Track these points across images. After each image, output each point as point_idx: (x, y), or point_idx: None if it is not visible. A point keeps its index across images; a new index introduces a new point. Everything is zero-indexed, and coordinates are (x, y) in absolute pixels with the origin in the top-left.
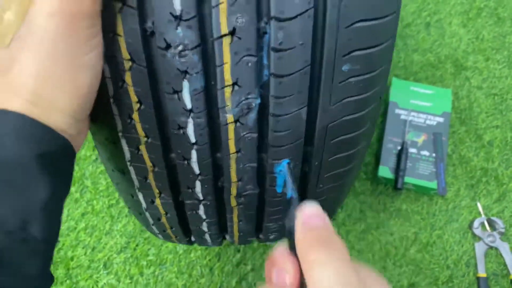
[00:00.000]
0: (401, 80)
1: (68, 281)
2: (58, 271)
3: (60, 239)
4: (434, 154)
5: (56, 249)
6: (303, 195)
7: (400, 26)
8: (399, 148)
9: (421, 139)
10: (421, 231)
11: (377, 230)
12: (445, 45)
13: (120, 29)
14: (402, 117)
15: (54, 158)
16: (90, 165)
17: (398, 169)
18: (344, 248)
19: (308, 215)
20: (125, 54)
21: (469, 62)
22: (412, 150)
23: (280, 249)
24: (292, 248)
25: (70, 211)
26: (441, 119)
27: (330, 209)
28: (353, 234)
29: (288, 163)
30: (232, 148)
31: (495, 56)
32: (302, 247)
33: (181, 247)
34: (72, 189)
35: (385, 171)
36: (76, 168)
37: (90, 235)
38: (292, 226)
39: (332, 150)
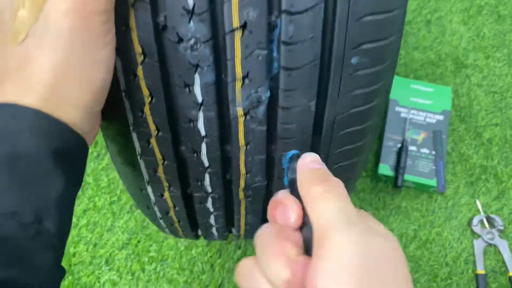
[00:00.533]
0: (401, 78)
1: (70, 277)
2: None
3: None
4: (433, 152)
5: None
6: None
7: None
8: (399, 146)
9: (421, 137)
10: (421, 228)
11: None
12: (445, 42)
13: (132, 23)
14: (402, 115)
15: (68, 154)
16: (91, 162)
17: (398, 167)
18: (343, 187)
19: (309, 161)
20: (137, 48)
21: (469, 60)
22: (412, 148)
23: (282, 192)
24: (294, 193)
25: None
26: (441, 117)
27: None
28: None
29: (297, 155)
30: (241, 141)
31: (495, 54)
32: (305, 185)
33: (182, 244)
34: None
35: (385, 168)
36: None
37: (92, 231)
38: (295, 176)
39: (339, 142)
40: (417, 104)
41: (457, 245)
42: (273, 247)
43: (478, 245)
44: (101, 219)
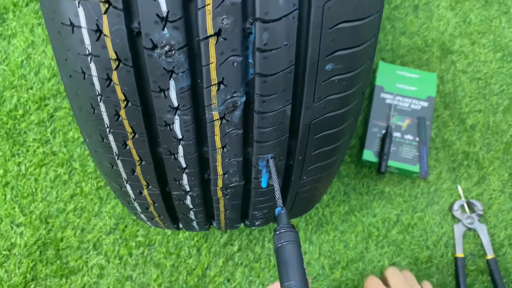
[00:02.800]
0: (387, 64)
1: (58, 262)
2: (48, 252)
3: (49, 220)
4: (417, 138)
5: (46, 230)
6: (287, 187)
7: (388, 8)
8: (383, 132)
9: (405, 123)
10: (403, 213)
11: (360, 211)
12: (432, 28)
13: (106, 29)
14: (388, 101)
15: None
16: (78, 147)
17: (382, 153)
18: None
19: None
20: (111, 54)
21: (455, 46)
22: (396, 134)
23: None
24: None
25: (59, 193)
26: (425, 104)
27: (314, 198)
28: (336, 216)
29: (272, 158)
30: (218, 144)
31: (481, 40)
32: None
33: None
34: (61, 171)
35: (369, 154)
36: (64, 150)
37: (79, 216)
38: (282, 246)
39: (315, 144)
40: (402, 90)
41: (437, 229)
42: None
43: (458, 229)
44: (88, 204)
